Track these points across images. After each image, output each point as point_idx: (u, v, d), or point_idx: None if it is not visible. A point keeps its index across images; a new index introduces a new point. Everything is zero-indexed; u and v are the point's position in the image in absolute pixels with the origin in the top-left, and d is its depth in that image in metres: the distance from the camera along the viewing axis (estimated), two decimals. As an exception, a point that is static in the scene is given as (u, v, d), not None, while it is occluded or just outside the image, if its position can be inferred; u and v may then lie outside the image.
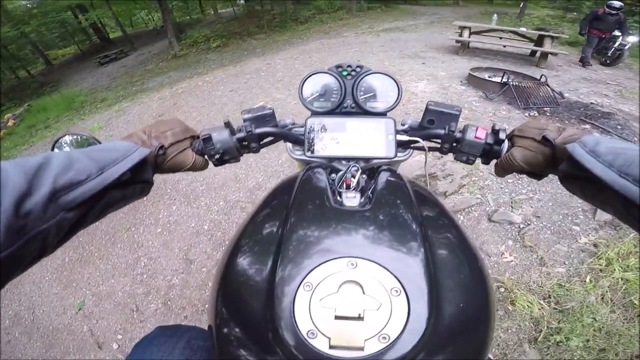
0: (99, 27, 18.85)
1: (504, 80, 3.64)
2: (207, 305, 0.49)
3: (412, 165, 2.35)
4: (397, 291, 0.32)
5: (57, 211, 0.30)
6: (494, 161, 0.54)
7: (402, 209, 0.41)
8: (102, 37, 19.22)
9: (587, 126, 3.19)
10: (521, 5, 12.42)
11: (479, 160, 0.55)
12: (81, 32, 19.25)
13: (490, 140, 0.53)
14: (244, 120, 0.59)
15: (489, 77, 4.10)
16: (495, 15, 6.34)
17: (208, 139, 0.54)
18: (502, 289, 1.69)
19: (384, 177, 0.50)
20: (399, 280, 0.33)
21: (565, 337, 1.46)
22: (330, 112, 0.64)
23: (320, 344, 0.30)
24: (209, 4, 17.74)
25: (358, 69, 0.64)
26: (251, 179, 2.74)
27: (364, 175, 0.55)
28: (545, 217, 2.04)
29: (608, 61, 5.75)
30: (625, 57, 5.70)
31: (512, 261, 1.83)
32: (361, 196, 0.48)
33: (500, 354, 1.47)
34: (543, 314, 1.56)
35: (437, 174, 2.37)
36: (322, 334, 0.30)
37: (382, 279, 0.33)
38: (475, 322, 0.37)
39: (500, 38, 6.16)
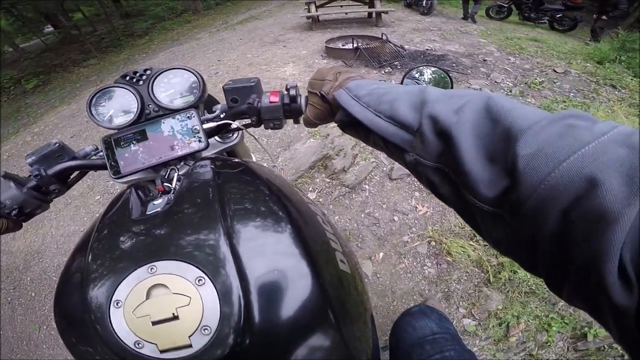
0: None
1: (355, 45, 4.21)
2: None
3: (306, 152, 2.52)
4: (201, 280, 0.34)
5: None
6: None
7: (202, 200, 0.43)
8: None
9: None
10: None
11: (290, 121, 0.60)
12: None
13: (286, 100, 0.56)
14: (30, 165, 0.55)
15: (342, 45, 4.69)
16: None
17: None
18: (432, 243, 1.85)
19: (194, 172, 0.50)
20: (201, 269, 0.34)
21: (511, 271, 1.62)
22: (135, 123, 0.60)
23: (150, 351, 0.32)
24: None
25: (148, 72, 0.62)
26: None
27: (188, 173, 0.54)
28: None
29: (425, 11, 7.29)
30: (435, 6, 7.32)
31: (427, 212, 2.03)
32: (171, 198, 0.47)
33: (468, 304, 1.58)
34: (479, 254, 1.70)
35: (329, 153, 2.53)
36: (148, 341, 0.32)
37: (185, 273, 0.34)
38: (299, 289, 0.38)
39: (341, 7, 7.04)
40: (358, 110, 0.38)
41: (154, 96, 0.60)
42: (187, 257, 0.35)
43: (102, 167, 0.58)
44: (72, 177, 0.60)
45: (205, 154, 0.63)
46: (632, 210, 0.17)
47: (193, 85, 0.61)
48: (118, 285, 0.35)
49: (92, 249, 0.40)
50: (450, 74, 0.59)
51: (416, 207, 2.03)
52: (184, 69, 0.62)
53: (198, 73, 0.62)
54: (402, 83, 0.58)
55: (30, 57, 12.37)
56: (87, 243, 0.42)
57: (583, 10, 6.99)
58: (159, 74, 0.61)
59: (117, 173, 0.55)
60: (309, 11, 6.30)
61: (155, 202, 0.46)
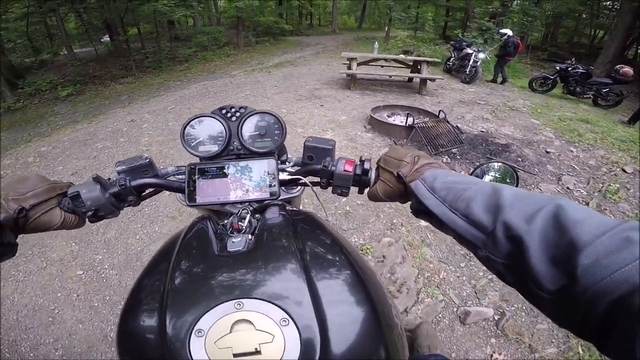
0: None
1: (409, 122, 3.59)
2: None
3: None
4: (285, 321, 0.34)
5: None
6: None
7: (282, 243, 0.45)
8: None
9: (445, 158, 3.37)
10: (386, 29, 14.30)
11: (355, 190, 0.58)
12: None
13: (358, 171, 0.56)
14: (118, 173, 0.57)
15: (389, 117, 4.09)
16: (376, 43, 6.77)
17: (77, 197, 0.51)
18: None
19: (268, 216, 0.53)
20: (285, 311, 0.35)
21: None
22: (218, 156, 0.62)
23: None
24: (61, 42, 14.62)
25: (242, 110, 0.63)
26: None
27: (257, 216, 0.55)
28: (512, 298, 1.90)
29: (467, 79, 6.75)
30: (480, 74, 6.79)
31: None
32: (250, 238, 0.48)
33: None
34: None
35: (389, 288, 1.97)
36: None
37: (270, 312, 0.35)
38: (369, 335, 0.38)
39: (382, 67, 6.58)
40: (434, 204, 0.39)
41: (241, 134, 0.62)
42: (273, 298, 0.36)
43: (179, 190, 0.59)
44: (147, 192, 0.60)
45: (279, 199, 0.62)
46: None
47: (276, 132, 0.62)
48: (202, 315, 0.35)
49: (173, 276, 0.40)
50: (518, 172, 0.60)
51: (492, 355, 1.70)
52: (273, 115, 0.62)
53: (283, 121, 0.63)
54: (472, 172, 0.60)
55: (78, 64, 12.49)
56: (166, 267, 0.43)
57: (631, 84, 6.43)
58: (252, 115, 0.62)
59: (192, 200, 0.55)
60: (349, 68, 5.81)
61: (235, 240, 0.46)
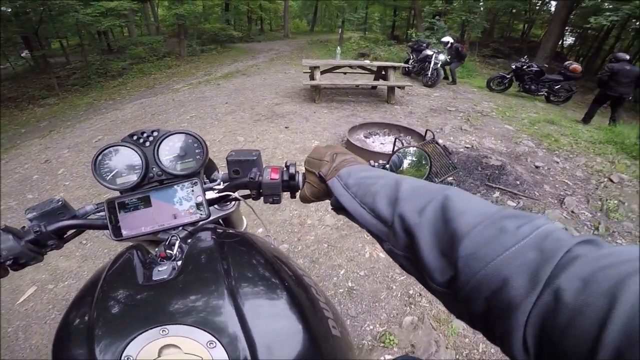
0: None
1: (397, 148, 2.91)
2: None
3: None
4: (212, 343, 0.34)
5: None
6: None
7: (209, 269, 0.43)
8: None
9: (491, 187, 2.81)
10: (339, 32, 13.79)
11: (287, 195, 0.56)
12: None
13: (285, 177, 0.54)
14: (30, 220, 0.53)
15: (367, 137, 3.41)
16: (338, 48, 6.03)
17: None
18: None
19: (196, 241, 0.51)
20: (212, 334, 0.35)
21: None
22: (139, 185, 0.57)
23: None
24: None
25: (155, 134, 0.58)
26: None
27: (189, 241, 0.52)
28: None
29: (430, 82, 6.37)
30: (442, 77, 6.45)
31: None
32: (177, 264, 0.46)
33: None
34: None
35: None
36: None
37: (196, 336, 0.35)
38: (304, 348, 0.39)
39: (345, 74, 5.93)
40: (346, 200, 0.39)
41: (159, 159, 0.58)
42: (198, 322, 0.36)
43: (102, 227, 0.55)
44: (69, 233, 0.57)
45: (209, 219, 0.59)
46: (530, 300, 0.21)
47: (196, 151, 0.59)
48: (130, 342, 0.35)
49: (98, 306, 0.40)
50: (431, 157, 0.60)
51: None
52: (190, 134, 0.59)
53: (202, 139, 0.59)
54: (388, 162, 0.57)
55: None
56: (91, 299, 0.42)
57: (580, 80, 6.63)
58: (166, 137, 0.58)
59: (118, 235, 0.52)
60: (312, 78, 5.05)
61: (161, 269, 0.45)
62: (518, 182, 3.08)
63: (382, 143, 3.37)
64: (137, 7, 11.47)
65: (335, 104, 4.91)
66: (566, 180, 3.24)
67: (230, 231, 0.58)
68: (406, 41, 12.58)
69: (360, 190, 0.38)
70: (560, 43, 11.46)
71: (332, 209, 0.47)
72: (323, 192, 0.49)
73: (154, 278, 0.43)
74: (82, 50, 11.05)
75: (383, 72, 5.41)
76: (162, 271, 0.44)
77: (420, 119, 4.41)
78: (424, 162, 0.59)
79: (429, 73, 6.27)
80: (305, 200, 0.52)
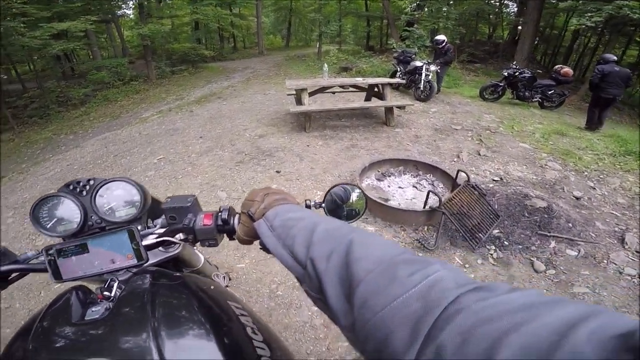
0: None
1: (432, 203, 2.16)
2: None
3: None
4: None
5: None
6: None
7: (137, 310, 0.44)
8: None
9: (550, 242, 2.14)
10: (317, 46, 13.11)
11: (226, 239, 0.57)
12: None
13: (219, 222, 0.55)
14: None
15: (380, 180, 2.64)
16: (325, 65, 5.25)
17: None
18: None
19: (130, 284, 0.51)
20: None
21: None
22: (78, 233, 0.59)
23: None
24: None
25: (91, 182, 0.60)
26: None
27: (127, 283, 0.53)
28: None
29: (422, 96, 5.77)
30: (435, 90, 5.86)
31: None
32: (110, 307, 0.47)
33: None
34: None
35: None
36: None
37: None
38: None
39: (334, 93, 5.20)
40: (270, 242, 0.38)
41: (96, 208, 0.59)
42: None
43: (43, 270, 0.56)
44: (13, 276, 0.57)
45: (147, 263, 0.58)
46: (411, 355, 0.19)
47: (135, 199, 0.60)
48: None
49: (34, 341, 0.41)
50: (365, 192, 0.57)
51: None
52: (126, 182, 0.60)
53: (140, 186, 0.60)
54: (324, 200, 0.57)
55: None
56: (27, 337, 0.43)
57: (571, 84, 6.36)
58: (102, 185, 0.59)
59: (57, 277, 0.53)
60: (299, 102, 4.26)
61: (94, 309, 0.46)
62: (570, 225, 2.47)
63: (401, 187, 2.62)
64: (96, 28, 10.23)
65: (329, 131, 4.13)
66: (613, 212, 2.73)
67: (171, 275, 0.58)
68: (382, 52, 12.15)
69: (283, 232, 0.37)
70: (535, 44, 11.43)
71: (260, 249, 0.46)
72: (254, 232, 0.46)
73: (86, 318, 0.45)
74: (36, 77, 9.67)
75: (376, 90, 4.73)
76: (95, 311, 0.46)
77: (429, 145, 3.73)
78: (357, 199, 0.57)
79: (421, 86, 5.67)
80: (241, 241, 0.52)
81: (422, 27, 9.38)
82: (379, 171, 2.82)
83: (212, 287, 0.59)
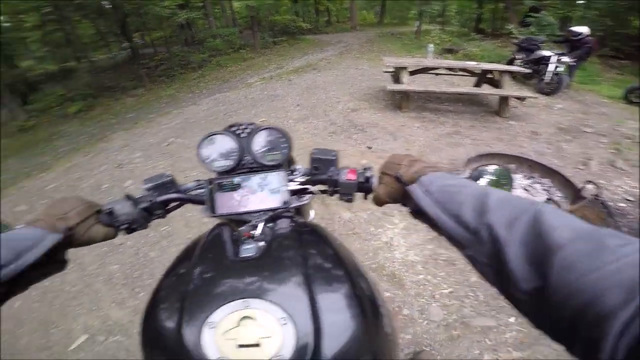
0: None
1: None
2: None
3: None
4: (284, 320, 0.36)
5: None
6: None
7: (289, 251, 0.46)
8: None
9: None
10: (417, 24, 12.09)
11: (361, 196, 0.58)
12: None
13: (361, 179, 0.56)
14: (146, 190, 0.59)
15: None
16: (430, 45, 4.84)
17: (111, 213, 0.53)
18: None
19: (279, 226, 0.54)
20: (286, 312, 0.37)
21: None
22: (232, 170, 0.63)
23: None
24: (77, 50, 13.36)
25: (250, 127, 0.65)
26: None
27: (269, 225, 0.55)
28: None
29: (548, 89, 4.85)
30: (567, 84, 4.86)
31: None
32: (263, 245, 0.49)
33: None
34: None
35: None
36: None
37: (272, 312, 0.37)
38: (360, 339, 0.40)
39: (437, 75, 4.79)
40: (428, 205, 0.39)
41: (252, 149, 0.63)
42: (276, 299, 0.38)
43: (200, 202, 0.61)
44: (172, 205, 0.62)
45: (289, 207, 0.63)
46: (626, 312, 0.20)
47: (282, 145, 0.64)
48: (215, 310, 0.37)
49: (193, 276, 0.43)
50: (512, 174, 0.55)
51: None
52: (279, 130, 0.64)
53: (288, 135, 0.64)
54: (469, 177, 0.56)
55: (92, 74, 11.20)
56: (187, 268, 0.46)
57: None
58: (259, 131, 0.63)
59: (213, 212, 0.58)
60: (397, 80, 4.07)
61: (247, 247, 0.48)
62: None
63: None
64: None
65: (428, 114, 3.87)
66: None
67: (304, 221, 0.62)
68: (495, 36, 10.52)
69: (442, 197, 0.38)
70: None
71: (409, 213, 0.48)
72: (399, 194, 0.49)
73: (241, 255, 0.46)
74: (165, 43, 11.50)
75: (490, 76, 4.17)
76: (249, 249, 0.47)
77: (550, 144, 3.17)
78: (503, 182, 0.57)
79: (547, 78, 4.76)
80: (379, 202, 0.53)
81: (552, 14, 7.74)
82: (485, 165, 2.54)
83: (336, 237, 0.61)
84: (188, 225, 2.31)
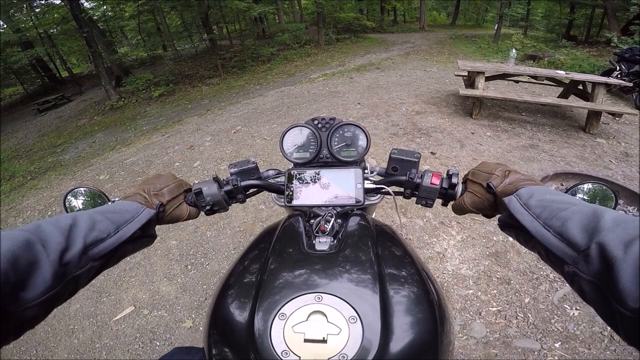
0: (48, 65, 15.56)
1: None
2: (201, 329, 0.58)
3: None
4: (354, 319, 0.36)
5: (87, 261, 0.36)
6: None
7: (363, 250, 0.46)
8: (51, 77, 15.34)
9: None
10: (495, 27, 11.13)
11: (439, 202, 0.56)
12: (26, 70, 14.53)
13: (445, 184, 0.54)
14: (231, 174, 0.61)
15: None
16: (513, 50, 4.42)
17: (199, 193, 0.55)
18: None
19: (352, 222, 0.54)
20: (355, 310, 0.37)
21: None
22: (309, 163, 0.65)
23: None
24: (166, 39, 15.16)
25: (331, 121, 0.65)
26: None
27: (339, 220, 0.57)
28: None
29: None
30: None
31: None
32: (333, 240, 0.50)
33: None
34: None
35: None
36: (294, 353, 0.34)
37: (342, 309, 0.37)
38: (424, 345, 0.39)
39: (517, 82, 4.42)
40: (527, 220, 0.37)
41: (330, 144, 0.64)
42: (347, 296, 0.38)
43: (278, 191, 0.63)
44: (251, 191, 0.63)
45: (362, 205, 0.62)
46: None
47: (360, 143, 0.64)
48: (288, 302, 0.38)
49: (268, 265, 0.44)
50: (617, 194, 0.49)
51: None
52: (359, 127, 0.64)
53: (368, 133, 0.63)
54: (567, 191, 0.51)
55: (175, 62, 12.62)
56: (261, 257, 0.48)
57: None
58: (339, 126, 0.64)
59: (289, 201, 0.58)
60: (471, 85, 3.86)
61: (322, 241, 0.48)
62: None
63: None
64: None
65: (501, 123, 3.60)
66: None
67: (375, 220, 0.61)
68: (589, 44, 9.16)
69: (545, 212, 0.37)
70: None
71: (498, 225, 0.45)
72: (486, 204, 0.47)
73: (316, 248, 0.47)
74: (240, 35, 12.39)
75: (580, 87, 3.71)
76: (322, 243, 0.48)
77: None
78: (608, 204, 0.49)
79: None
80: (460, 210, 0.51)
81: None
82: (562, 184, 2.31)
83: (403, 238, 0.61)
84: (245, 209, 2.44)
